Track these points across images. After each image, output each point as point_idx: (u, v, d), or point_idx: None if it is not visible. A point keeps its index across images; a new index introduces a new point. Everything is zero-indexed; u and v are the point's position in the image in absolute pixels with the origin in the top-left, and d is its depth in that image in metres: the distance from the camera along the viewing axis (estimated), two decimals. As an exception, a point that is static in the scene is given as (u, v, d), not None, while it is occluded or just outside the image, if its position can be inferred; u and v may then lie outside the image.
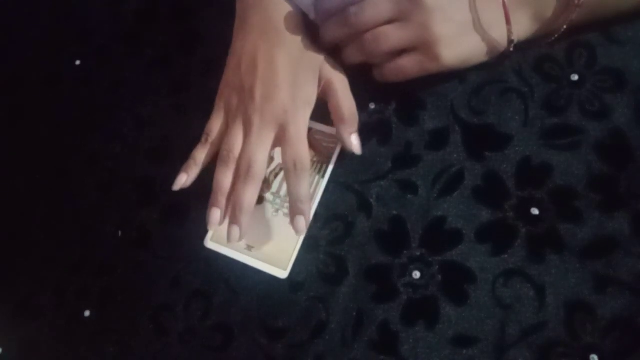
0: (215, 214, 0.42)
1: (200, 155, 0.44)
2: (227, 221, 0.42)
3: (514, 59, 0.44)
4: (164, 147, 0.50)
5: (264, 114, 0.42)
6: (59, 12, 0.59)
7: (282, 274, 0.42)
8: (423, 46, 0.41)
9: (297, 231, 0.41)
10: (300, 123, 0.42)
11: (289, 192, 0.41)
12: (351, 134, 0.43)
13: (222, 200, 0.42)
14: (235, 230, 0.41)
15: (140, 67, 0.53)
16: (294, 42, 0.44)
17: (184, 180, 0.44)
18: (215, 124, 0.45)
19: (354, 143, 0.43)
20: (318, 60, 0.44)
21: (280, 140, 0.42)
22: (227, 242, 0.41)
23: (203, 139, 0.44)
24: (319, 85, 0.43)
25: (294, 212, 0.41)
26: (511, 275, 0.39)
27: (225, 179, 0.42)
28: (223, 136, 0.44)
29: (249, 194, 0.41)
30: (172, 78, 0.52)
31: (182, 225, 0.46)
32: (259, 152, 0.42)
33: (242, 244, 0.43)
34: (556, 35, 0.42)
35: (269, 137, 0.42)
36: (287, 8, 0.44)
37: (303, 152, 0.41)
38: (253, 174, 0.41)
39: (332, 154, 0.45)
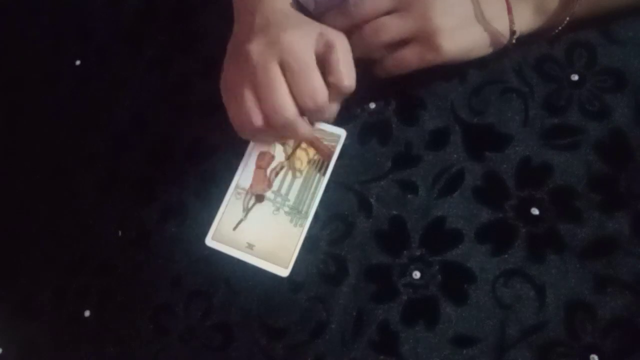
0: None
1: None
2: (225, 219, 0.42)
3: (514, 59, 0.44)
4: (164, 147, 0.50)
5: (264, 44, 0.40)
6: (59, 12, 0.59)
7: (283, 272, 0.42)
8: (423, 37, 0.41)
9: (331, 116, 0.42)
10: (300, 48, 0.39)
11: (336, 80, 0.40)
12: (337, 98, 0.42)
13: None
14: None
15: (140, 67, 0.53)
16: (292, 16, 0.42)
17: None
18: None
19: (333, 108, 0.42)
20: (314, 23, 0.42)
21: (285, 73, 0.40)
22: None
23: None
24: (319, 45, 0.40)
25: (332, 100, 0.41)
26: (511, 275, 0.39)
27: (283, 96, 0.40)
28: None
29: (318, 86, 0.40)
30: (172, 78, 0.52)
31: (182, 225, 0.46)
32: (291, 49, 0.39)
33: (243, 242, 0.43)
34: (558, 29, 0.42)
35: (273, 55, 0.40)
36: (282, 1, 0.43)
37: (311, 77, 0.39)
38: (302, 65, 0.39)
39: (333, 152, 0.45)
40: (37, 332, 0.46)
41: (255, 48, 0.40)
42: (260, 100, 0.40)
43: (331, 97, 0.41)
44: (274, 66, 0.39)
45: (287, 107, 0.39)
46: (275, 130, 0.40)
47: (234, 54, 0.43)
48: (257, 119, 0.40)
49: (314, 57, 0.40)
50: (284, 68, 0.39)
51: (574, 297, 0.38)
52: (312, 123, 0.43)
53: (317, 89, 0.39)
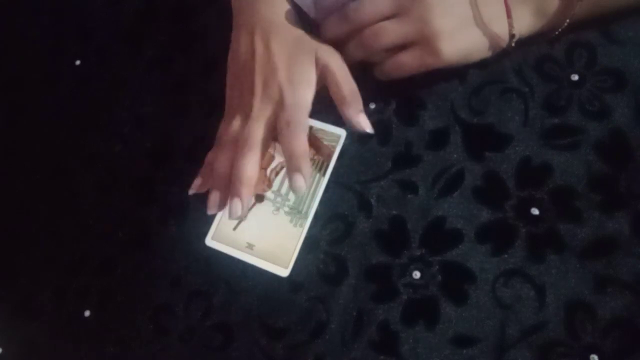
0: (215, 196, 0.42)
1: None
2: (225, 219, 0.42)
3: (514, 59, 0.44)
4: (164, 147, 0.50)
5: (262, 97, 0.42)
6: (59, 12, 0.59)
7: (283, 272, 0.42)
8: (423, 41, 0.41)
9: (295, 190, 0.41)
10: (298, 97, 0.41)
11: (284, 151, 0.41)
12: (357, 113, 0.42)
13: (221, 183, 0.42)
14: (237, 203, 0.41)
15: (140, 67, 0.53)
16: (288, 29, 0.44)
17: (199, 185, 0.44)
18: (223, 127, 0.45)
19: (362, 122, 0.42)
20: (313, 44, 0.44)
21: (276, 113, 0.42)
22: (229, 218, 0.41)
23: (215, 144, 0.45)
24: (316, 71, 0.43)
25: (290, 170, 0.41)
26: (511, 275, 0.39)
27: (222, 162, 0.42)
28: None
29: (249, 166, 0.41)
30: (172, 78, 0.52)
31: (182, 225, 0.46)
32: (257, 126, 0.42)
33: (243, 242, 0.43)
34: (558, 31, 0.42)
35: (266, 114, 0.42)
36: (279, 2, 0.44)
37: (299, 114, 0.41)
38: (250, 145, 0.41)
39: (333, 152, 0.45)
40: (37, 332, 0.46)
41: (257, 97, 0.42)
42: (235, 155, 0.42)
43: (345, 112, 0.42)
44: (265, 107, 0.42)
45: (249, 172, 0.41)
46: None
47: (235, 71, 0.45)
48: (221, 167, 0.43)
49: (306, 115, 0.42)
50: (277, 105, 0.42)
51: (574, 297, 0.38)
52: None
53: (296, 148, 0.41)
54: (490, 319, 0.39)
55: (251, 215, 0.44)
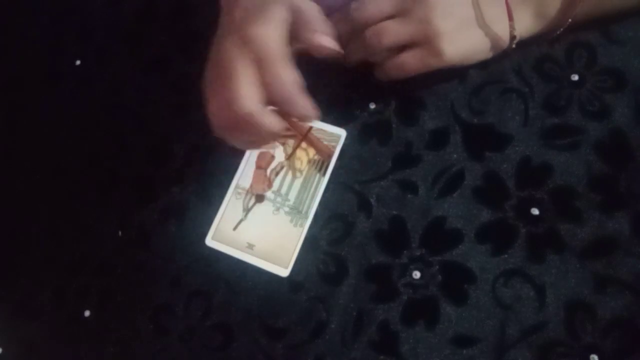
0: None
1: None
2: (225, 219, 0.42)
3: (514, 59, 0.44)
4: (164, 147, 0.50)
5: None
6: (59, 12, 0.59)
7: (283, 272, 0.42)
8: (425, 41, 0.41)
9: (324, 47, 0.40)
10: (272, 40, 0.38)
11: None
12: (318, 35, 0.40)
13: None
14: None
15: (140, 67, 0.53)
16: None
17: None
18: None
19: (324, 41, 0.40)
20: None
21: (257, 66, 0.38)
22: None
23: None
24: (289, 15, 0.40)
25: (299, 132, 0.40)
26: (511, 275, 0.39)
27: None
28: None
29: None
30: (172, 78, 0.52)
31: (182, 225, 0.46)
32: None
33: (243, 242, 0.43)
34: (558, 32, 0.42)
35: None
36: None
37: (283, 72, 0.38)
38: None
39: (333, 152, 0.45)
40: (37, 332, 0.46)
41: (229, 45, 0.39)
42: (223, 92, 0.39)
43: (306, 33, 0.39)
44: (240, 60, 0.38)
45: (247, 96, 0.38)
46: (240, 124, 0.39)
47: (215, 50, 0.43)
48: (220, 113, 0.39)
49: (283, 47, 0.38)
50: (256, 61, 0.38)
51: (574, 297, 0.38)
52: (285, 117, 0.40)
53: (284, 77, 0.38)
54: (490, 319, 0.39)
55: (251, 215, 0.44)
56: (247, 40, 0.38)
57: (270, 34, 0.38)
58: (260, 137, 0.40)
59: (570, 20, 0.41)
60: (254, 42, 0.38)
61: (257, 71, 0.38)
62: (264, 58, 0.38)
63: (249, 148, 0.46)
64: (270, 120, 0.38)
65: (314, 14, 0.40)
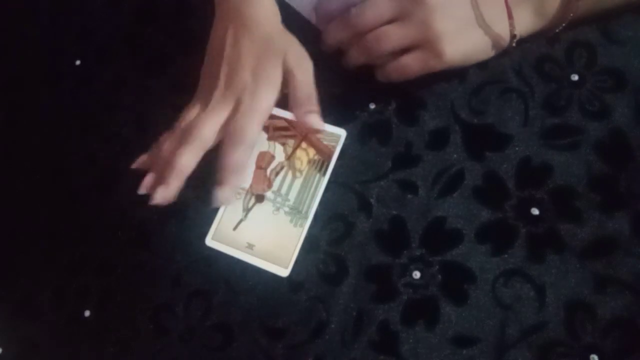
0: (149, 178, 0.43)
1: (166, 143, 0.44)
2: (225, 219, 0.42)
3: (514, 59, 0.44)
4: (164, 147, 0.49)
5: (224, 92, 0.42)
6: (59, 12, 0.59)
7: (283, 272, 0.42)
8: (426, 44, 0.41)
9: (215, 203, 0.42)
10: (258, 99, 0.41)
11: (218, 159, 0.41)
12: (305, 113, 0.43)
13: (160, 166, 0.42)
14: (162, 189, 0.41)
15: (140, 67, 0.53)
16: (262, 27, 0.43)
17: (143, 162, 0.45)
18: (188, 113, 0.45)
19: (313, 122, 0.43)
20: (283, 45, 0.43)
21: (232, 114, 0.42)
22: (150, 202, 0.41)
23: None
24: (282, 74, 0.43)
25: (216, 181, 0.41)
26: (511, 275, 0.39)
27: (167, 147, 0.43)
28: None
29: (185, 157, 0.41)
30: (172, 78, 0.52)
31: (182, 225, 0.46)
32: (207, 121, 0.42)
33: (243, 242, 0.43)
34: (560, 28, 0.42)
35: (223, 110, 0.42)
36: None
37: (249, 125, 0.41)
38: (193, 138, 0.41)
39: (333, 152, 0.45)
40: (37, 332, 0.46)
41: (218, 91, 0.42)
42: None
43: (295, 111, 0.43)
44: (225, 103, 0.42)
45: (184, 162, 0.41)
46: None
47: (207, 61, 0.45)
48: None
49: (269, 109, 0.42)
50: (237, 103, 0.42)
51: (574, 297, 0.38)
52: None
53: (251, 134, 0.41)
54: (490, 319, 0.39)
55: (251, 215, 0.44)
56: (243, 88, 0.42)
57: (257, 96, 0.42)
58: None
59: (570, 16, 0.41)
60: (250, 97, 0.41)
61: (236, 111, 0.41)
62: (241, 108, 0.41)
63: None
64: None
65: (303, 80, 0.43)
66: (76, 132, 0.53)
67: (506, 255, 0.40)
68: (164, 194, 0.41)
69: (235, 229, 0.44)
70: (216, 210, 0.44)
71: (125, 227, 0.47)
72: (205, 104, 0.43)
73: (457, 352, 0.38)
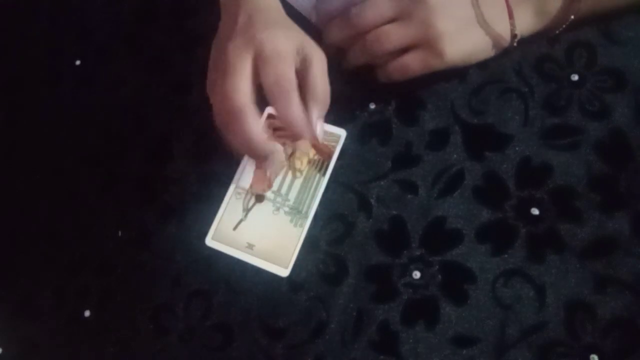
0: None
1: None
2: (225, 219, 0.42)
3: (514, 59, 0.44)
4: (164, 147, 0.50)
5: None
6: (59, 12, 0.59)
7: (284, 272, 0.42)
8: (426, 43, 0.41)
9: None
10: (279, 43, 0.38)
11: (280, 118, 0.38)
12: (319, 117, 0.40)
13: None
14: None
15: (140, 67, 0.53)
16: (271, 12, 0.42)
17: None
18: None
19: (318, 128, 0.40)
20: (300, 33, 0.41)
21: (257, 64, 0.38)
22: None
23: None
24: (297, 58, 0.40)
25: (295, 137, 0.39)
26: (511, 275, 0.39)
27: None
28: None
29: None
30: (172, 78, 0.52)
31: (182, 225, 0.46)
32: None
33: (243, 242, 0.43)
34: (561, 29, 0.42)
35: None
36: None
37: (283, 69, 0.38)
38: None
39: (333, 152, 0.45)
40: (37, 332, 0.46)
41: (232, 45, 0.39)
42: (222, 86, 0.38)
43: (311, 109, 0.39)
44: (242, 57, 0.38)
45: (240, 90, 0.37)
46: (227, 122, 0.38)
47: (216, 52, 0.43)
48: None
49: (291, 55, 0.38)
50: (257, 59, 0.38)
51: (574, 297, 0.38)
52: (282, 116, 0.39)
53: (285, 74, 0.37)
54: (490, 319, 0.39)
55: (251, 215, 0.44)
56: (256, 42, 0.38)
57: (283, 43, 0.38)
58: (246, 143, 0.39)
59: (572, 17, 0.41)
60: (265, 42, 0.38)
61: (255, 70, 0.38)
62: (269, 55, 0.37)
63: (242, 152, 0.45)
64: (254, 123, 0.37)
65: (322, 73, 0.40)
66: (76, 132, 0.53)
67: (506, 255, 0.40)
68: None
69: (235, 229, 0.44)
70: (216, 209, 0.44)
71: (125, 227, 0.47)
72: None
73: (457, 352, 0.38)
